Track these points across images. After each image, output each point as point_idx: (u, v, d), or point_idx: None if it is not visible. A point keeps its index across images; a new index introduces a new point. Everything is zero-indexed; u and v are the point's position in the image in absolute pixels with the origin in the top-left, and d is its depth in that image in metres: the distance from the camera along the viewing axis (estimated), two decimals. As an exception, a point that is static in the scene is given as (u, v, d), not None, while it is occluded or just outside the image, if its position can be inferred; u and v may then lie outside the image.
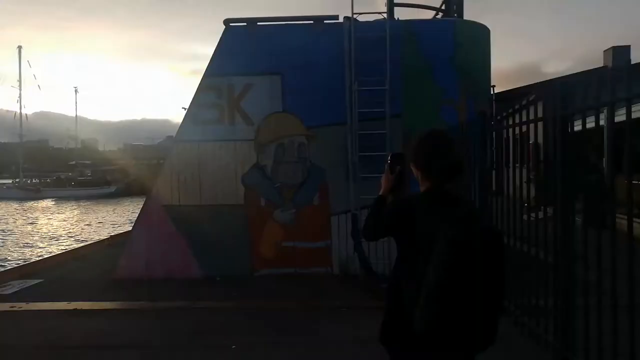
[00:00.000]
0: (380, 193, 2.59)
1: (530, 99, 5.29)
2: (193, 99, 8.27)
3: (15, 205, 47.96)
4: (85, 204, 46.79)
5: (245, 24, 8.15)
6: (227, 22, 8.12)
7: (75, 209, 42.10)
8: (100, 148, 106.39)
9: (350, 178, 7.78)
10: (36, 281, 8.56)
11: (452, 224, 2.01)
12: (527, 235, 4.90)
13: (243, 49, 8.13)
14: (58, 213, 38.39)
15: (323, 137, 8.03)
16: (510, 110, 5.38)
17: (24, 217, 34.68)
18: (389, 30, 7.70)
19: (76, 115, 78.85)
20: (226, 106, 8.16)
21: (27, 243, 21.30)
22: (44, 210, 42.14)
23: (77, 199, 53.96)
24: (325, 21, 8.02)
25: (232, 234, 8.14)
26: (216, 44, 8.20)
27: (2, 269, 10.28)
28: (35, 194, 59.16)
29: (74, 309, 6.76)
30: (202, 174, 8.25)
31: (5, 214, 37.34)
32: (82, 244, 14.88)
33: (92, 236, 22.24)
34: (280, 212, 8.12)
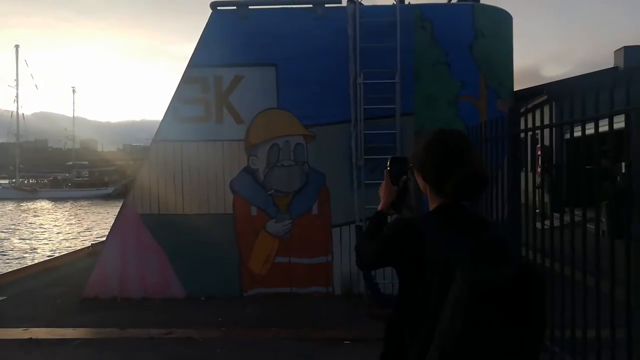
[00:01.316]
0: (379, 208, 2.12)
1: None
2: (175, 92, 7.25)
3: (10, 206, 47.11)
4: (80, 205, 45.80)
5: (234, 7, 7.12)
6: (214, 5, 7.10)
7: (66, 210, 41.09)
8: (99, 149, 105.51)
9: (355, 184, 6.74)
10: (-2, 299, 7.57)
11: (474, 258, 1.59)
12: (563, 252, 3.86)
13: (232, 36, 7.12)
14: (47, 214, 37.38)
15: (323, 138, 7.00)
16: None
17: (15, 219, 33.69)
18: (399, 15, 6.68)
19: (73, 115, 77.80)
20: (213, 101, 7.14)
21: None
22: (33, 211, 41.15)
23: (73, 200, 53.24)
24: (326, 5, 7.00)
25: (218, 247, 7.12)
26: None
27: None
28: (32, 195, 58.50)
29: (28, 339, 5.75)
30: (184, 179, 7.22)
31: (-3, 216, 36.35)
32: (60, 252, 13.87)
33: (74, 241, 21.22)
34: (273, 223, 7.09)
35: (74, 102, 77.75)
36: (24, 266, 10.23)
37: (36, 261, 11.92)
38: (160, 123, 7.33)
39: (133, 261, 7.23)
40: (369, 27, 6.73)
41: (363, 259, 2.05)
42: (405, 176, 2.09)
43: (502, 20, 7.32)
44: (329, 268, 7.04)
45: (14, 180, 65.87)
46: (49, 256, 14.36)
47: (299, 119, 7.02)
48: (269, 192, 7.09)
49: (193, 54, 7.22)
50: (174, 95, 7.27)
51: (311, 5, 7.00)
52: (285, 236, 7.08)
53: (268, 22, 7.07)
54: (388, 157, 6.32)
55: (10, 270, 10.09)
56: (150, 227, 7.23)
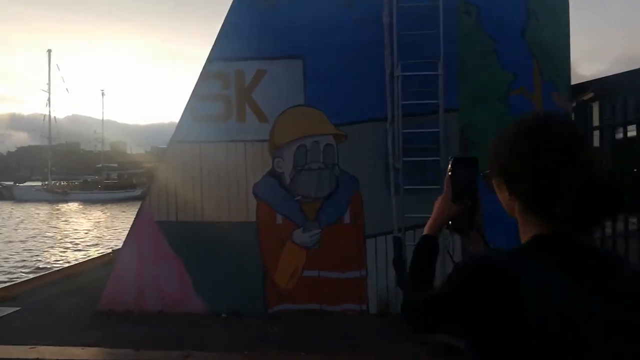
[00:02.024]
0: (427, 230, 1.49)
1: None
2: (193, 89, 6.66)
3: (42, 208, 48.05)
4: (109, 207, 46.25)
5: (258, -6, 6.48)
6: (235, -8, 6.47)
7: (95, 213, 41.47)
8: (129, 151, 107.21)
9: (392, 190, 5.99)
10: (11, 310, 7.17)
11: (622, 334, 0.99)
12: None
13: (255, 27, 6.48)
14: (76, 217, 37.73)
15: (356, 137, 6.29)
16: None
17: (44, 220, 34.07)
18: (442, 0, 5.90)
19: (102, 118, 79.36)
20: (234, 98, 6.52)
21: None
22: (62, 214, 41.68)
23: (103, 202, 54.04)
24: (359, -11, 6.29)
25: (241, 259, 6.49)
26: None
27: None
28: (63, 197, 59.72)
29: (35, 359, 5.21)
30: (204, 183, 6.62)
31: (29, 217, 36.88)
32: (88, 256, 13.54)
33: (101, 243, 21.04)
34: (300, 233, 6.41)
35: (103, 105, 79.39)
36: (42, 274, 9.84)
37: (56, 268, 11.54)
38: (178, 123, 6.75)
39: (149, 272, 6.67)
40: (407, 13, 5.99)
41: (416, 316, 1.35)
42: (475, 186, 1.47)
43: (559, 3, 6.44)
44: (363, 283, 6.31)
45: (46, 183, 67.39)
46: (71, 262, 14.07)
47: (329, 117, 6.32)
48: (295, 198, 6.41)
49: (213, 47, 6.61)
50: (192, 93, 6.68)
51: (342, -9, 6.29)
52: (314, 247, 6.39)
53: (295, 10, 6.40)
54: (432, 159, 5.43)
55: (28, 278, 9.68)
56: (168, 235, 6.66)
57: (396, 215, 5.95)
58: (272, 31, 6.44)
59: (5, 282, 13.33)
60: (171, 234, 6.65)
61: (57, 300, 7.73)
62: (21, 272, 15.40)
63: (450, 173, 1.47)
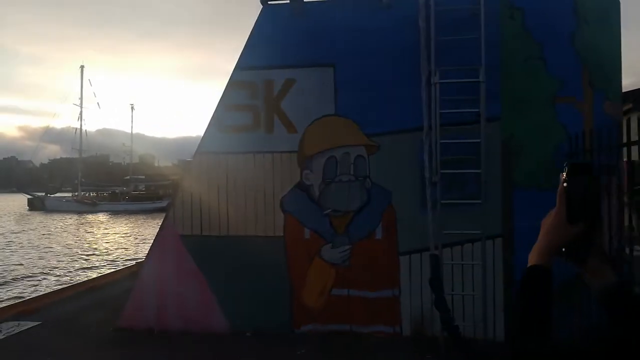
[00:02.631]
0: (535, 259, 1.17)
1: None
2: (220, 99, 6.43)
3: (71, 218, 48.92)
4: (136, 218, 46.71)
5: (287, 1, 6.24)
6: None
7: (122, 223, 41.90)
8: (156, 163, 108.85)
9: (429, 204, 5.60)
10: (32, 324, 7.02)
11: None
12: None
13: (285, 34, 6.24)
14: (103, 228, 38.15)
15: (389, 148, 5.95)
16: None
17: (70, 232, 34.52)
18: (484, 3, 5.55)
19: (132, 131, 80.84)
20: (262, 107, 6.26)
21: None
22: (91, 225, 42.24)
23: (130, 212, 54.71)
24: (393, -7, 5.99)
25: (267, 275, 6.18)
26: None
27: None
28: (92, 208, 60.84)
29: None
30: (229, 196, 6.35)
31: (56, 227, 37.48)
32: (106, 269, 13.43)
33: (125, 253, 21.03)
34: (329, 249, 6.06)
35: (132, 119, 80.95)
36: (65, 286, 9.71)
37: (79, 280, 11.45)
38: (204, 134, 6.52)
39: (172, 289, 6.41)
40: (445, 18, 5.65)
41: None
42: (596, 200, 1.15)
43: (610, 7, 6.01)
44: (396, 304, 5.91)
45: (76, 194, 68.85)
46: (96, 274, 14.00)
47: (361, 127, 6.00)
48: (324, 212, 6.08)
49: (240, 55, 6.39)
50: (219, 102, 6.45)
51: (376, -5, 6.00)
52: (344, 264, 6.03)
53: (325, 16, 6.14)
54: (472, 171, 4.94)
55: (51, 290, 9.57)
56: (191, 250, 6.40)
57: (433, 232, 5.55)
58: (301, 38, 6.19)
59: (22, 291, 13.36)
60: (195, 248, 6.39)
61: (79, 314, 7.55)
62: (46, 282, 15.44)
63: (565, 184, 1.11)
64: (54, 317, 7.38)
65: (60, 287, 10.14)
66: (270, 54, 6.26)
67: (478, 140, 5.45)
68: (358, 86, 6.01)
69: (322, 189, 6.10)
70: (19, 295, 12.74)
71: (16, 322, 7.06)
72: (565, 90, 5.64)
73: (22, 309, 7.60)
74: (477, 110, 5.46)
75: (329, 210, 6.07)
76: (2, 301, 10.59)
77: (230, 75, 6.38)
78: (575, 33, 5.68)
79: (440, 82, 5.51)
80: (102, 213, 55.97)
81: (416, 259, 5.82)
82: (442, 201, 5.48)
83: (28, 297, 8.65)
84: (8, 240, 28.57)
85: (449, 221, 5.47)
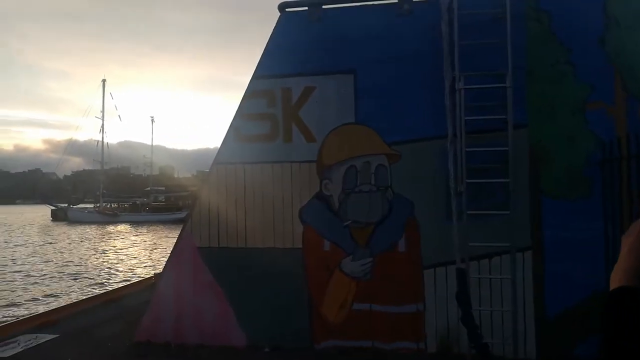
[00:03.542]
0: (621, 282, 1.01)
1: None
2: (238, 108, 6.33)
3: (93, 229, 49.58)
4: (156, 229, 47.08)
5: (306, 7, 6.13)
6: (282, 6, 6.16)
7: (146, 232, 42.26)
8: (176, 175, 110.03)
9: (454, 215, 5.38)
10: (49, 337, 6.98)
11: None
12: None
13: (304, 41, 6.12)
14: (124, 239, 38.49)
15: (411, 157, 5.75)
16: None
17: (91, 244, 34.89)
18: (509, 6, 5.35)
19: (152, 143, 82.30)
20: (280, 116, 6.14)
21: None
22: (111, 235, 42.67)
23: (150, 223, 55.23)
24: (414, -2, 5.84)
25: (285, 288, 6.01)
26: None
27: (14, 319, 8.77)
28: (113, 219, 61.64)
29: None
30: (247, 207, 6.22)
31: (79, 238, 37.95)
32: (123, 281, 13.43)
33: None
34: (350, 261, 5.87)
35: (152, 131, 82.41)
36: (84, 298, 9.69)
37: (99, 292, 11.43)
38: (221, 144, 6.41)
39: (189, 302, 6.28)
40: (469, 21, 5.46)
41: None
42: None
43: (641, 7, 5.75)
44: (420, 319, 5.67)
45: (98, 205, 69.88)
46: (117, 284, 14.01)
47: (381, 135, 5.82)
48: (345, 224, 5.90)
49: (258, 64, 6.29)
50: (236, 112, 6.35)
51: (396, 0, 5.85)
52: (365, 278, 5.82)
53: (345, 22, 6.00)
54: (499, 181, 4.71)
55: (69, 303, 9.55)
56: (209, 262, 6.28)
57: (458, 244, 5.32)
58: (320, 45, 6.07)
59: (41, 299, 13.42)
60: (213, 260, 6.26)
61: (96, 327, 7.47)
62: (67, 293, 15.53)
63: None
64: (71, 330, 7.32)
65: (79, 299, 10.12)
66: (289, 62, 6.16)
67: (505, 148, 5.23)
68: (379, 93, 5.85)
69: (342, 200, 5.92)
70: (50, 299, 12.81)
71: (34, 335, 7.02)
72: (595, 95, 5.39)
73: (40, 322, 7.57)
74: (503, 116, 5.24)
75: (349, 222, 5.89)
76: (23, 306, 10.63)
77: (247, 85, 6.28)
78: (606, 36, 5.44)
79: (464, 88, 5.31)
80: (123, 224, 56.66)
81: (441, 272, 5.59)
82: (468, 212, 5.26)
83: (46, 310, 8.62)
84: (32, 250, 29.03)
85: (476, 233, 5.24)
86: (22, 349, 6.45)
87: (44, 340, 6.82)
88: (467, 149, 5.29)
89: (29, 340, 6.78)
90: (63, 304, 9.93)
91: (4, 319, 12.14)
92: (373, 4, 5.97)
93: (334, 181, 5.96)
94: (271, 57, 6.22)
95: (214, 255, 6.27)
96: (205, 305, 6.25)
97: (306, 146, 6.05)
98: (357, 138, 5.90)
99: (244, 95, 6.32)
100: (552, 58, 5.49)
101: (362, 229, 5.85)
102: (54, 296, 14.80)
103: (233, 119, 6.34)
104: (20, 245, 32.53)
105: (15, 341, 6.75)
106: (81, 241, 36.06)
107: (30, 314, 9.34)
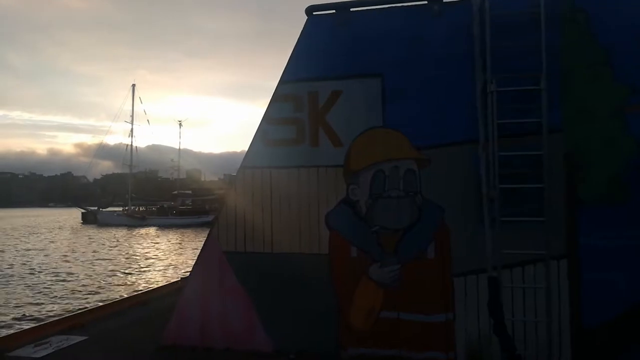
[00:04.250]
0: None
1: None
2: (265, 113, 6.31)
3: (122, 231, 50.67)
4: (183, 232, 47.69)
5: (333, 11, 6.08)
6: (309, 10, 6.13)
7: (173, 236, 42.86)
8: (203, 178, 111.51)
9: (486, 221, 5.22)
10: (79, 339, 7.12)
11: None
12: None
13: (331, 45, 6.07)
14: (152, 242, 39.08)
15: (441, 162, 5.61)
16: None
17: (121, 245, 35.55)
18: (544, 6, 5.18)
19: (179, 147, 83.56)
20: (307, 121, 6.09)
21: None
22: (140, 238, 43.40)
23: (177, 227, 56.02)
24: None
25: (312, 294, 5.94)
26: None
27: (49, 320, 8.93)
28: (141, 222, 62.71)
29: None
30: (274, 212, 6.18)
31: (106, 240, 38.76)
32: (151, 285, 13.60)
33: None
34: (378, 268, 5.75)
35: (179, 135, 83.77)
36: (113, 301, 9.82)
37: (129, 294, 11.59)
38: (248, 148, 6.40)
39: (215, 306, 6.27)
40: (501, 22, 5.31)
41: None
42: None
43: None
44: (450, 328, 5.51)
45: (126, 208, 71.26)
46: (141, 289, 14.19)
47: (410, 139, 5.70)
48: (372, 229, 5.79)
49: (285, 69, 6.26)
50: (263, 116, 6.33)
51: (426, 2, 5.74)
52: (393, 285, 5.70)
53: (373, 25, 5.92)
54: (534, 186, 4.54)
55: (100, 305, 9.69)
56: (235, 266, 6.26)
57: (491, 251, 5.15)
58: (347, 49, 6.00)
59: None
60: (239, 265, 6.24)
61: (124, 330, 7.56)
62: (97, 295, 15.82)
63: None
64: (99, 333, 7.43)
65: (108, 301, 10.28)
66: (316, 66, 6.11)
67: (539, 152, 5.05)
68: (407, 97, 5.74)
69: (370, 205, 5.82)
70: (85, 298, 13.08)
71: (65, 336, 7.14)
72: (635, 98, 5.16)
73: (72, 323, 7.69)
74: (537, 120, 5.06)
75: (377, 227, 5.78)
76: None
77: (276, 86, 6.25)
78: (648, 35, 5.20)
79: (497, 91, 5.16)
80: (151, 227, 57.63)
81: (472, 280, 5.42)
82: (502, 218, 5.09)
83: (77, 312, 8.76)
84: (62, 253, 29.77)
85: (510, 239, 5.07)
86: (53, 350, 6.57)
87: (74, 342, 6.93)
88: (500, 153, 5.13)
89: (61, 342, 6.89)
90: (93, 306, 10.09)
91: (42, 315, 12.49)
92: (401, 6, 5.87)
93: (361, 186, 5.86)
94: (298, 61, 6.18)
95: (240, 260, 6.25)
96: (232, 310, 6.22)
97: (333, 151, 5.98)
98: (385, 142, 5.80)
99: (271, 100, 6.29)
100: (589, 59, 5.28)
101: (390, 235, 5.74)
102: (85, 298, 15.12)
103: (260, 123, 6.33)
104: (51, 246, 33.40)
105: (47, 342, 6.88)
106: (114, 243, 36.82)
107: (61, 315, 9.52)
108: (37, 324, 8.54)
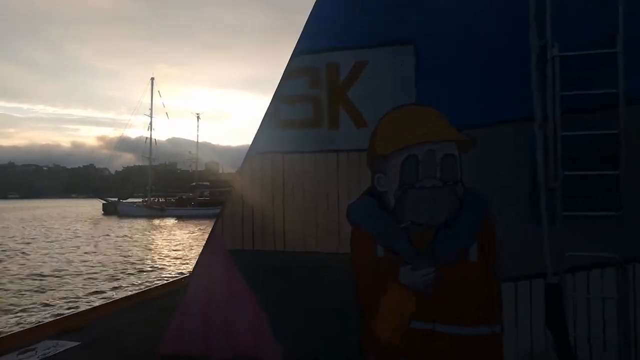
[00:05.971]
0: None
1: None
2: (276, 90, 5.45)
3: (142, 222, 50.91)
4: (199, 222, 47.45)
5: (357, -34, 5.15)
6: (329, -33, 5.21)
7: (192, 227, 42.61)
8: (220, 171, 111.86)
9: (544, 217, 4.27)
10: (70, 344, 6.44)
11: None
12: None
13: (353, 8, 5.16)
14: (170, 234, 38.85)
15: (486, 145, 4.66)
16: None
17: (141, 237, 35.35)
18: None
19: (197, 140, 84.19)
20: (325, 98, 5.20)
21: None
22: (160, 229, 43.28)
23: (196, 217, 56.13)
24: (490, -51, 4.74)
25: (330, 299, 5.08)
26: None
27: (39, 323, 8.29)
28: (160, 213, 63.28)
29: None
30: (286, 204, 5.33)
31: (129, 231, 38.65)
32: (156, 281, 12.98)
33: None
34: (409, 271, 4.85)
35: (197, 128, 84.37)
36: (111, 301, 9.14)
37: (129, 293, 10.92)
38: (257, 131, 5.55)
39: (219, 311, 5.48)
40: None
41: None
42: None
43: None
44: (496, 344, 4.59)
45: (146, 199, 71.98)
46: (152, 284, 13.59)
47: (449, 118, 4.77)
48: (402, 225, 4.89)
49: (300, 38, 5.38)
50: (274, 94, 5.47)
51: (468, -48, 4.77)
52: (427, 291, 4.80)
53: (403, -17, 4.98)
54: (609, 173, 3.52)
55: (96, 305, 9.01)
56: (242, 267, 5.45)
57: (550, 253, 4.21)
58: (373, 12, 5.08)
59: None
60: (246, 266, 5.43)
61: (122, 334, 6.85)
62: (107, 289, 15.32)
63: None
64: (95, 337, 6.75)
65: (108, 300, 9.61)
66: (335, 33, 5.21)
67: (615, 131, 4.07)
68: (445, 68, 4.80)
69: (399, 197, 4.91)
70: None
71: (54, 342, 6.45)
72: None
73: (63, 327, 7.00)
74: (612, 90, 4.08)
75: (408, 223, 4.87)
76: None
77: (289, 58, 5.38)
78: None
79: (560, 56, 4.18)
80: (170, 218, 57.91)
81: (524, 287, 4.48)
82: (564, 213, 4.14)
83: (69, 314, 8.09)
84: (79, 243, 29.63)
85: (572, 239, 4.13)
86: (38, 358, 5.87)
87: (64, 348, 6.23)
88: (564, 133, 4.16)
89: (49, 349, 6.20)
90: (87, 307, 9.42)
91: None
92: (438, -42, 4.91)
93: (390, 174, 4.95)
94: (315, 28, 5.29)
95: (247, 259, 5.44)
96: (238, 315, 5.43)
97: (356, 132, 5.08)
98: (418, 122, 4.87)
99: (283, 75, 5.42)
100: (677, 16, 4.27)
101: (424, 232, 4.83)
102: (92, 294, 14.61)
103: (270, 103, 5.47)
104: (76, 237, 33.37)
105: (34, 348, 6.19)
106: (135, 235, 36.67)
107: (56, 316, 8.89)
108: (24, 328, 7.89)
